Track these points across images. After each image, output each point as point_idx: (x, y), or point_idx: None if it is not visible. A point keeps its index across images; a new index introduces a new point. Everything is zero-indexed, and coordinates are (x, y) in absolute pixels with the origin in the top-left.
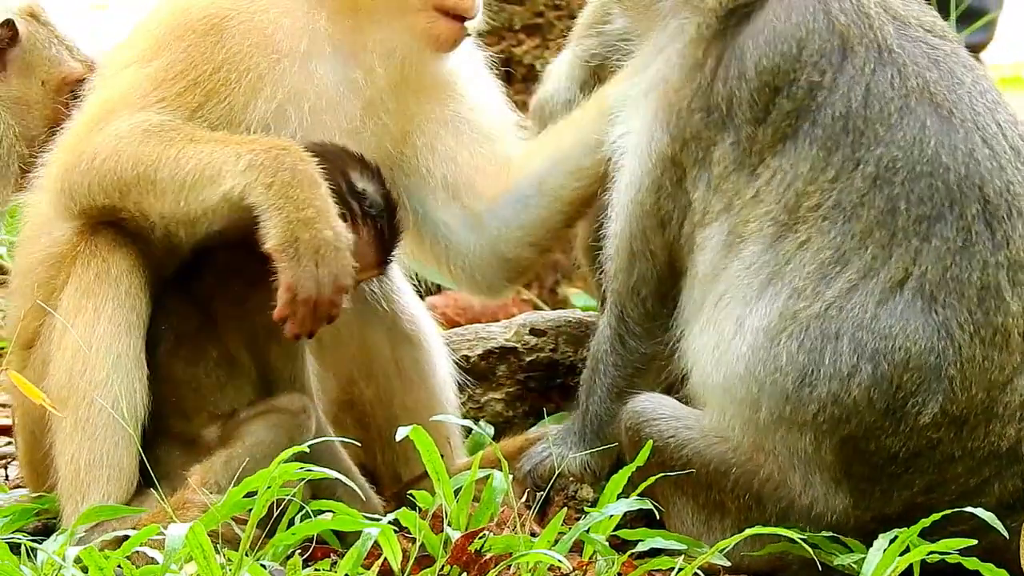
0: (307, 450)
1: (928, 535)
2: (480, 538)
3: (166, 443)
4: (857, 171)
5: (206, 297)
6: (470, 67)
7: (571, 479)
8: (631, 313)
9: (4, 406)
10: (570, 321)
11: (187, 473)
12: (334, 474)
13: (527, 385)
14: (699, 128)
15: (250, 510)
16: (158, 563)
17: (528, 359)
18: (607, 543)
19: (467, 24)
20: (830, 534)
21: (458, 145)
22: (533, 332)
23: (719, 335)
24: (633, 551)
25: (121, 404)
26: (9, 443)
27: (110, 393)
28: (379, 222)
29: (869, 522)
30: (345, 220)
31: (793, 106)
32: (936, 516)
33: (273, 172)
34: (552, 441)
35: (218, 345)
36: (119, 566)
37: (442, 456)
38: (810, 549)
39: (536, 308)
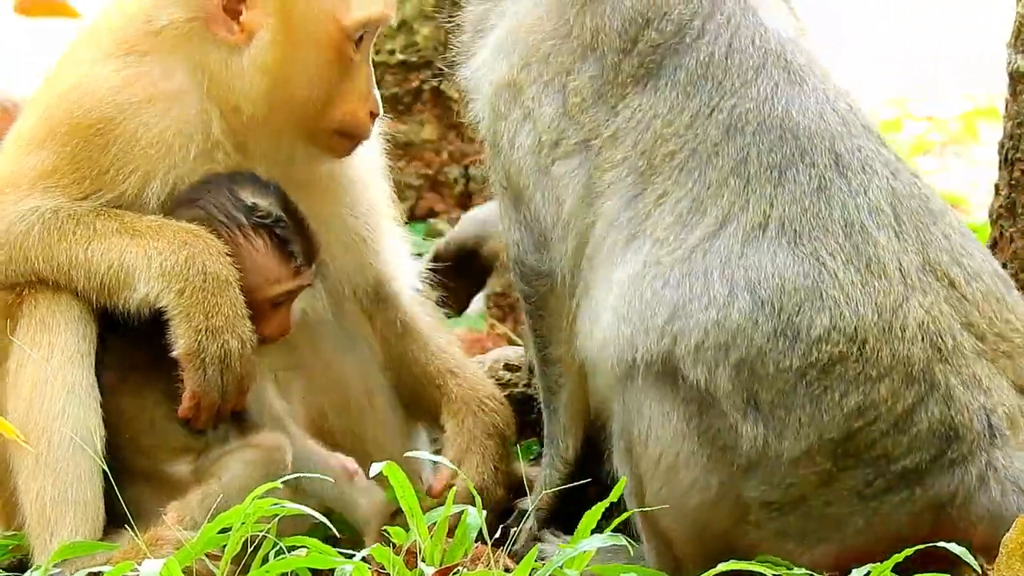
0: (280, 486)
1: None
2: (454, 574)
3: (134, 481)
4: (711, 119)
5: (151, 331)
6: (359, 168)
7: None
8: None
9: None
10: None
11: (161, 510)
12: (307, 510)
13: None
14: (549, 52)
15: (224, 546)
16: None
17: (504, 394)
18: None
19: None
20: (804, 572)
21: (335, 244)
22: (507, 367)
23: (596, 301)
24: None
25: (77, 437)
26: None
27: (67, 426)
28: (275, 230)
29: (819, 453)
30: (234, 235)
31: (661, 40)
32: (908, 551)
33: (184, 277)
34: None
35: (165, 379)
36: None
37: (415, 491)
38: None
39: (511, 343)
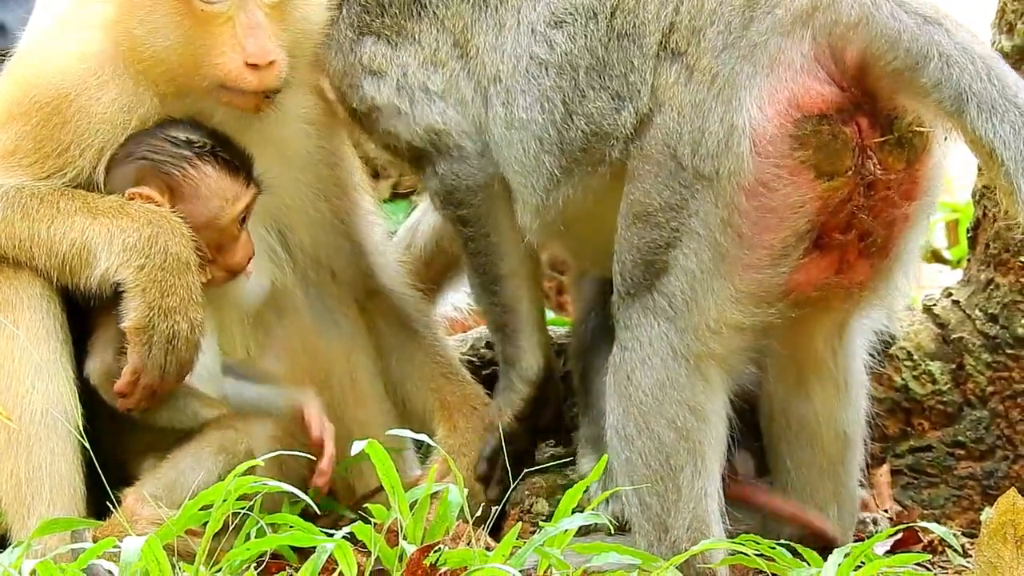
0: (262, 463)
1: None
2: (435, 552)
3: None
4: None
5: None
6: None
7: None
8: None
9: None
10: None
11: (118, 494)
12: (289, 488)
13: None
14: None
15: (205, 523)
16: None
17: (484, 372)
18: (562, 557)
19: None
20: (785, 543)
21: (300, 218)
22: (488, 345)
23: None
24: (588, 566)
25: (48, 413)
26: None
27: (37, 403)
28: (217, 153)
29: None
30: (184, 169)
31: None
32: (890, 531)
33: (146, 254)
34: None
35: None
36: None
37: (397, 469)
38: (764, 563)
39: None
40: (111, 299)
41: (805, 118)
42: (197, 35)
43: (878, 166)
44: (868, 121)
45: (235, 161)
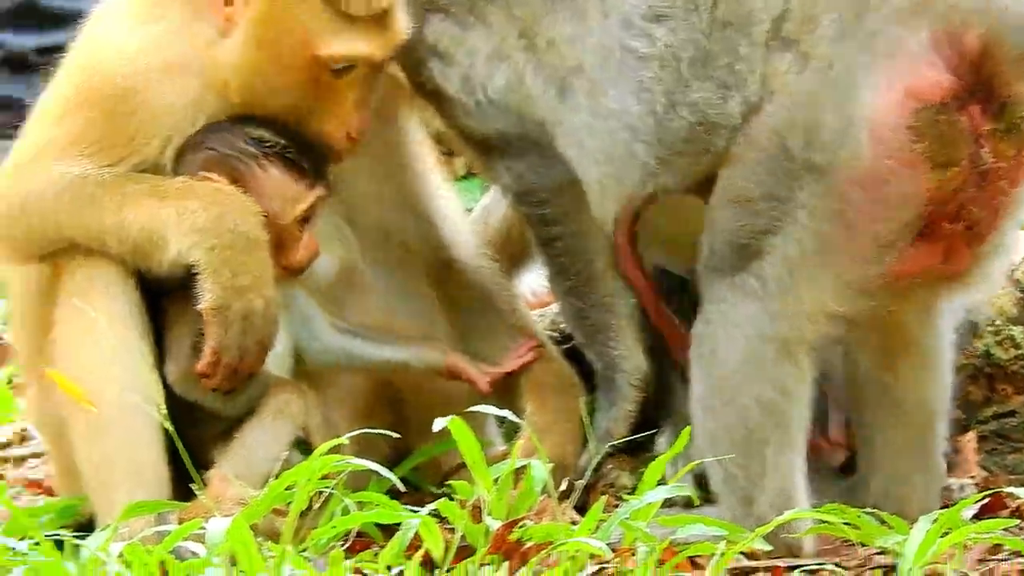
0: (346, 442)
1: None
2: (520, 527)
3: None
4: None
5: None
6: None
7: (610, 466)
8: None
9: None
10: None
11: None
12: (373, 466)
13: None
14: None
15: (289, 503)
16: (200, 557)
17: (564, 347)
18: (648, 530)
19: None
20: (871, 511)
21: (392, 186)
22: None
23: None
24: (673, 538)
25: (129, 398)
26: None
27: (117, 388)
28: (285, 154)
29: None
30: (250, 166)
31: None
32: (976, 497)
33: (216, 235)
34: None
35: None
36: (162, 561)
37: (480, 445)
38: (850, 532)
39: None
40: (181, 295)
41: (923, 108)
42: (311, 99)
43: (990, 155)
44: (981, 109)
45: (303, 163)
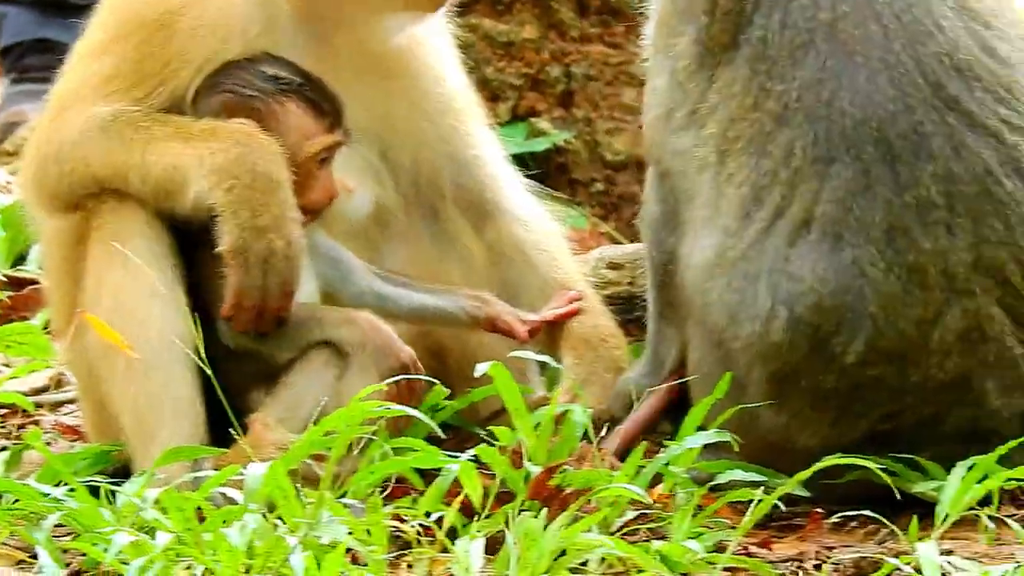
0: (385, 387)
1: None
2: (560, 473)
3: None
4: (766, 104)
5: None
6: (437, 54)
7: None
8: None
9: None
10: None
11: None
12: (413, 412)
13: None
14: (669, 13)
15: (328, 449)
16: (237, 503)
17: (605, 293)
18: (687, 475)
19: None
20: (909, 457)
21: (429, 126)
22: (610, 266)
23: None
24: (712, 483)
25: (166, 340)
26: None
27: (154, 329)
28: (303, 91)
29: (837, 447)
30: (268, 104)
31: (729, 6)
32: (1013, 443)
33: (234, 175)
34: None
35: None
36: (199, 507)
37: (520, 391)
38: (887, 477)
39: (613, 241)
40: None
41: None
42: None
43: None
44: None
45: (322, 103)
